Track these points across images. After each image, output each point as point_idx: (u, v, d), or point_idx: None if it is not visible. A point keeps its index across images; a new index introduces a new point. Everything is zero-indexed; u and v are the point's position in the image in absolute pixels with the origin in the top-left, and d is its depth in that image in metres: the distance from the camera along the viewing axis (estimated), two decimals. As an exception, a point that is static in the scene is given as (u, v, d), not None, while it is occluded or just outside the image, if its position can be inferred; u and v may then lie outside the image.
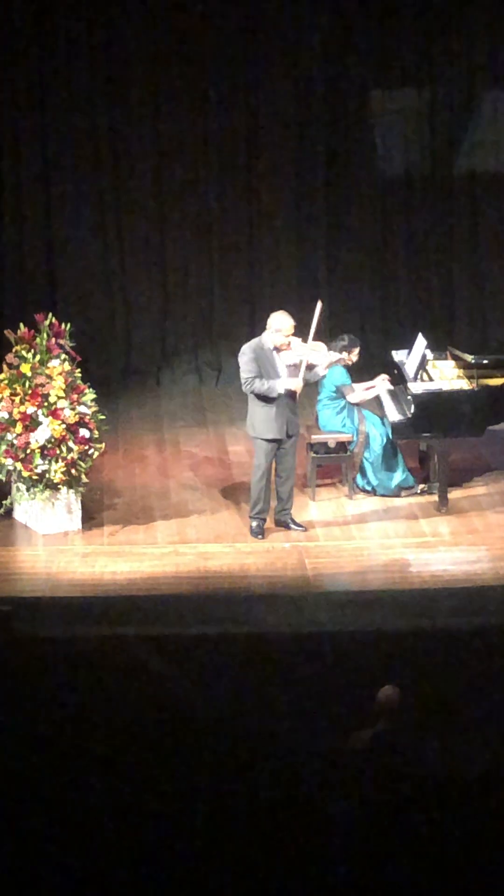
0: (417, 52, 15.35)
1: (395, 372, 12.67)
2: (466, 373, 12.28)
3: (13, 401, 11.65)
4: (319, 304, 11.50)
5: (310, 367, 11.59)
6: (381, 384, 12.48)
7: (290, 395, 11.45)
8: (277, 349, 11.46)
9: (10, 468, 11.69)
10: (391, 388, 12.45)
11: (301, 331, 11.53)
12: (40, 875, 5.93)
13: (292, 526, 11.77)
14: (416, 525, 11.90)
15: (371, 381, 12.52)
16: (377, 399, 12.47)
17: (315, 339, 11.51)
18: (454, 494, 12.26)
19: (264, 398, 11.41)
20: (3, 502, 11.92)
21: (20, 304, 14.86)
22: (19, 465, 11.59)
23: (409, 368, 12.39)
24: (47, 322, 11.92)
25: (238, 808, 6.18)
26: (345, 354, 12.18)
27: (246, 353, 11.47)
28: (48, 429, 11.53)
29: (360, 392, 12.39)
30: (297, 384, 11.40)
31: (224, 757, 6.83)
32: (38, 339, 11.86)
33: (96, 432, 11.79)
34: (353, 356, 12.28)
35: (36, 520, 11.82)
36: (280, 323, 11.48)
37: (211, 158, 15.41)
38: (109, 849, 6.10)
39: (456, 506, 12.13)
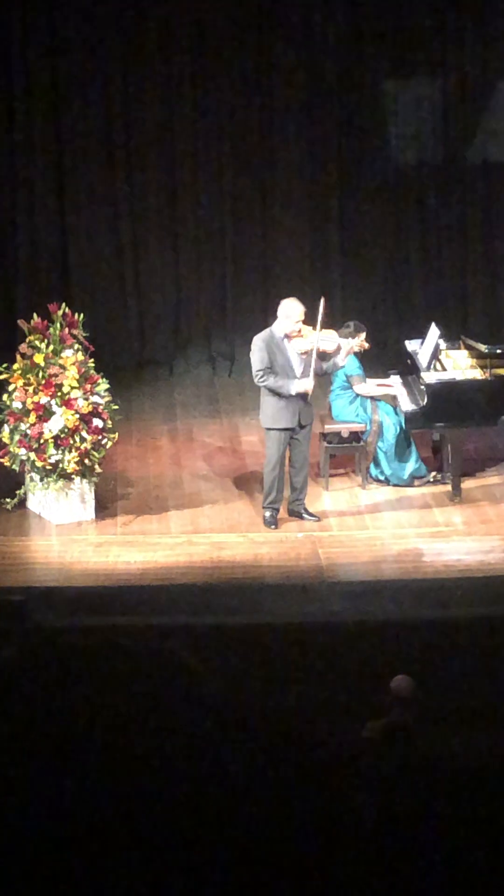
0: (432, 39, 15.29)
1: (409, 361, 12.65)
2: (480, 362, 12.27)
3: (27, 391, 11.67)
4: (322, 301, 11.45)
5: (323, 357, 11.57)
6: (395, 385, 12.45)
7: (303, 396, 11.44)
8: (288, 336, 11.44)
9: (24, 458, 11.70)
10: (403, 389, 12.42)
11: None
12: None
13: (305, 516, 11.76)
14: (429, 515, 11.89)
15: (386, 380, 12.51)
16: (389, 388, 12.48)
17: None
18: (467, 484, 12.25)
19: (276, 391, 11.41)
20: (17, 492, 11.94)
21: (33, 295, 14.87)
22: (33, 455, 11.60)
23: (423, 358, 12.37)
24: (60, 312, 11.93)
25: (251, 797, 6.19)
26: (351, 339, 12.06)
27: (256, 345, 11.45)
28: (61, 419, 11.54)
29: (370, 386, 12.35)
30: (308, 385, 11.36)
31: (235, 746, 6.84)
32: (51, 330, 11.87)
33: (110, 422, 11.80)
34: (362, 340, 12.17)
35: (49, 510, 11.84)
36: (290, 309, 11.45)
37: (224, 149, 15.37)
38: (129, 843, 6.12)
39: (469, 495, 12.12)
